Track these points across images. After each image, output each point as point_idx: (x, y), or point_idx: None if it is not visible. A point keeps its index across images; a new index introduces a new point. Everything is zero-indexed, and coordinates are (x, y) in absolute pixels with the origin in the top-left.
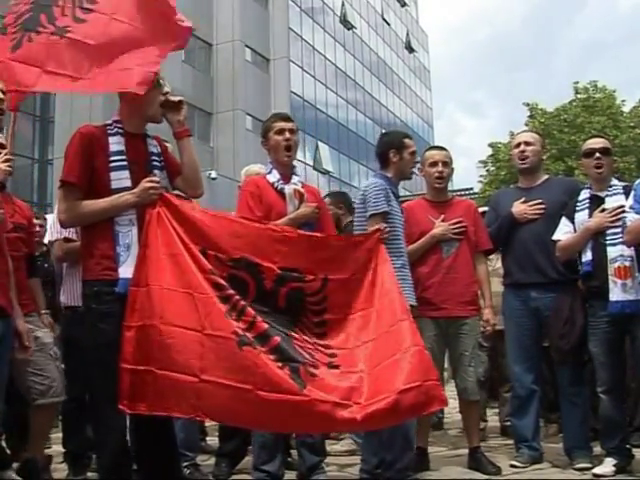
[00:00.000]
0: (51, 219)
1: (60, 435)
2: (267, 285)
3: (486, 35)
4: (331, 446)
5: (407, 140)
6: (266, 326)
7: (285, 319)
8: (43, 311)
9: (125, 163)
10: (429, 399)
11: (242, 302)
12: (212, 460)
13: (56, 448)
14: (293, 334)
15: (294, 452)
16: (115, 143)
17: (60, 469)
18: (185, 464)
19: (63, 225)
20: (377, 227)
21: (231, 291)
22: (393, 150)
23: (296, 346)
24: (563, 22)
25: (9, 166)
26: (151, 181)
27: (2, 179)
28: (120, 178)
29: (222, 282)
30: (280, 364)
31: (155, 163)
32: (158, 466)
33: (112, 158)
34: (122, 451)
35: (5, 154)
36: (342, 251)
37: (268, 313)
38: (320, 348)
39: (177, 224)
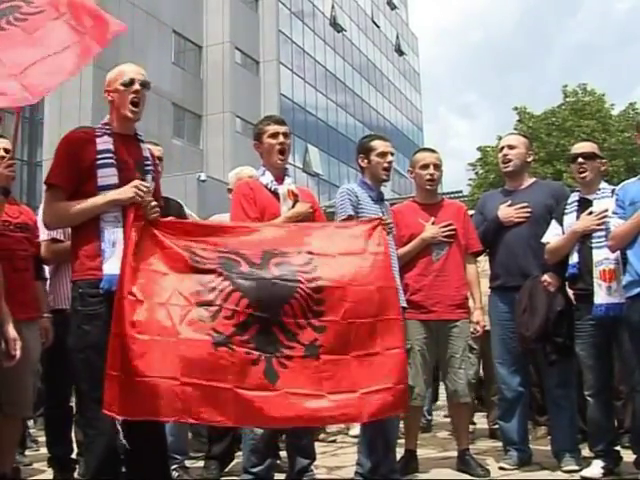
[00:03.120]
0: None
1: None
2: (256, 261)
3: (479, 38)
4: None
5: (375, 142)
6: (245, 316)
7: (279, 292)
8: (45, 315)
9: (112, 161)
10: (397, 403)
11: (227, 289)
12: (201, 463)
13: (44, 451)
14: (282, 311)
15: (283, 454)
16: (103, 143)
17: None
18: (174, 466)
19: (47, 227)
20: (379, 216)
21: (214, 282)
22: (361, 156)
23: (276, 330)
24: (556, 25)
25: (12, 171)
26: (140, 184)
27: (6, 184)
28: (106, 175)
29: (207, 275)
30: (255, 356)
31: (147, 168)
32: (147, 469)
33: (99, 156)
34: (111, 453)
35: (8, 159)
36: (329, 231)
37: (262, 286)
38: (310, 316)
39: (161, 233)
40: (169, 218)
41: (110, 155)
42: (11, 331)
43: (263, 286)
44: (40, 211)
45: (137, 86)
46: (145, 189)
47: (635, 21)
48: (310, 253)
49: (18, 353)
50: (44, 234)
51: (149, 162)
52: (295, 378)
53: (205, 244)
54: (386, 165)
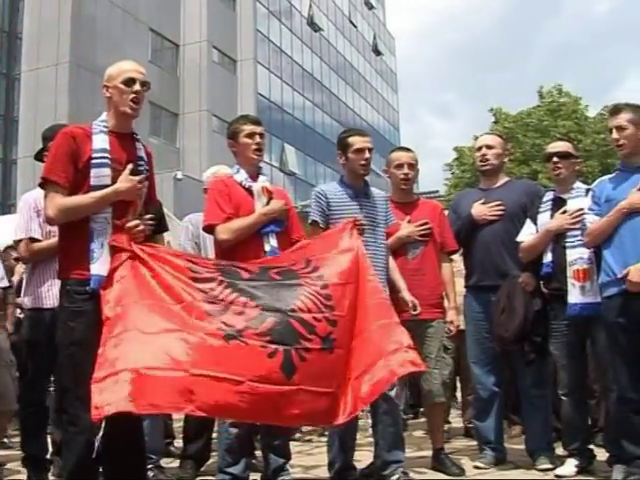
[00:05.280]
0: (14, 219)
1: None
2: (255, 271)
3: (458, 38)
4: None
5: (351, 139)
6: (257, 312)
7: (286, 288)
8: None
9: (107, 161)
10: (410, 361)
11: (232, 295)
12: (177, 462)
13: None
14: (294, 306)
15: (259, 454)
16: (99, 141)
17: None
18: (149, 466)
19: (51, 222)
20: (354, 217)
21: (217, 289)
22: (339, 152)
23: (294, 321)
24: (535, 26)
25: None
26: (133, 179)
27: None
28: (100, 175)
29: (209, 283)
30: (272, 349)
31: (140, 168)
32: (124, 469)
33: (94, 155)
34: (89, 453)
35: None
36: (317, 242)
37: (266, 288)
38: (325, 310)
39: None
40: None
41: (105, 155)
42: None
43: (268, 288)
44: (18, 209)
45: (138, 86)
46: (140, 185)
47: (612, 23)
48: (307, 260)
49: None
50: (22, 232)
51: (143, 162)
52: (311, 372)
53: (200, 258)
54: (363, 162)
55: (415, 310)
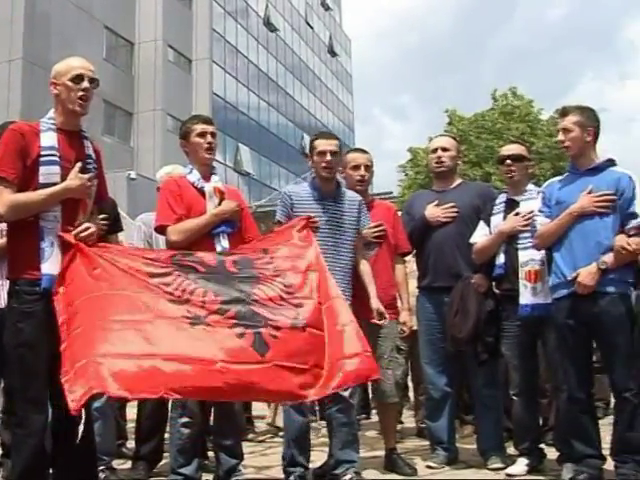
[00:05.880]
0: None
1: None
2: (210, 262)
3: (414, 40)
4: None
5: (316, 141)
6: (217, 305)
7: (244, 282)
8: None
9: (56, 158)
10: (369, 369)
11: (190, 287)
12: (129, 464)
13: None
14: (254, 295)
15: (211, 454)
16: (47, 138)
17: None
18: (101, 467)
19: (2, 219)
20: (307, 215)
21: (175, 282)
22: (309, 155)
23: (257, 309)
24: (490, 30)
25: None
26: (82, 177)
27: None
28: (49, 173)
29: (166, 278)
30: (240, 331)
31: (88, 166)
32: (75, 470)
33: (43, 152)
34: (39, 454)
35: None
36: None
37: (223, 282)
38: (287, 296)
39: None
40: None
41: (54, 152)
42: None
43: (225, 281)
44: None
45: (86, 83)
46: (89, 183)
47: (566, 29)
48: (264, 251)
49: None
50: None
51: (92, 161)
52: (286, 349)
53: (155, 253)
54: (324, 164)
55: (380, 319)
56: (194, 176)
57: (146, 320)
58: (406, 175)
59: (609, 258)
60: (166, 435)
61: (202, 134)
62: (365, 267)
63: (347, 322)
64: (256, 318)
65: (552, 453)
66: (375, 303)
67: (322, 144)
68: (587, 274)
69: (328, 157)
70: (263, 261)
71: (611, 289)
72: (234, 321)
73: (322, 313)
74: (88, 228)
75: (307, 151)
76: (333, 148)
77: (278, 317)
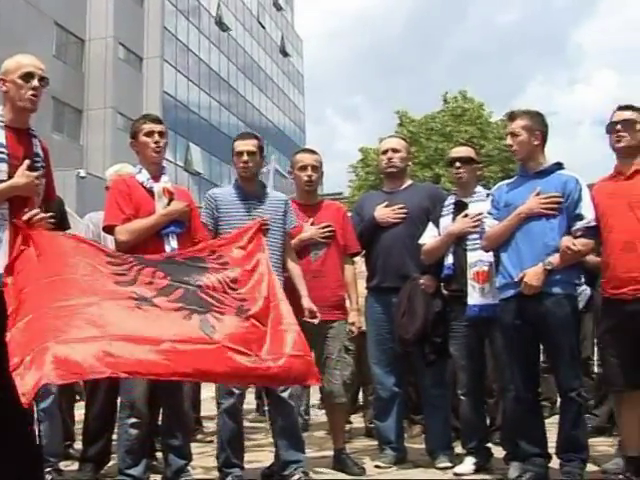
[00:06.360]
0: None
1: None
2: (160, 260)
3: (366, 41)
4: None
5: (236, 142)
6: (166, 282)
7: (192, 270)
8: None
9: (3, 156)
10: (309, 372)
11: (139, 266)
12: (76, 465)
13: None
14: (201, 283)
15: (160, 455)
16: None
17: None
18: (47, 469)
19: None
20: (262, 217)
21: (125, 263)
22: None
23: (202, 294)
24: (442, 32)
25: None
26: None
27: None
28: None
29: (115, 259)
30: (186, 312)
31: (36, 164)
32: (20, 473)
33: None
34: None
35: None
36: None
37: (174, 266)
38: (230, 291)
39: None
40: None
41: (2, 149)
42: None
43: (175, 266)
44: None
45: (36, 82)
46: (37, 181)
47: (517, 34)
48: (213, 250)
49: None
50: None
51: (39, 159)
52: (231, 332)
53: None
54: (242, 165)
55: (312, 318)
56: (143, 176)
57: (93, 303)
58: (357, 176)
59: (555, 259)
60: (114, 436)
61: (150, 133)
62: (294, 267)
63: (291, 324)
64: (201, 303)
65: (499, 452)
66: (307, 302)
67: (240, 145)
68: (533, 275)
69: (245, 157)
70: (212, 257)
71: (557, 290)
72: (179, 304)
73: (269, 310)
74: (38, 214)
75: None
76: (250, 148)
77: (223, 306)
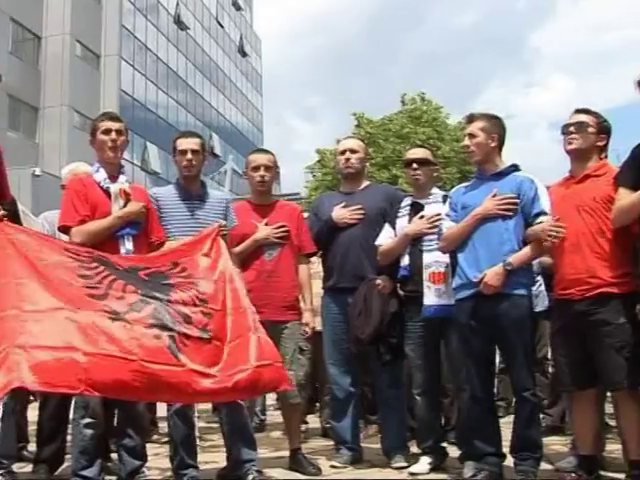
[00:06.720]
0: None
1: None
2: (125, 267)
3: (325, 42)
4: None
5: (179, 140)
6: (136, 297)
7: (159, 286)
8: None
9: None
10: (280, 378)
11: (109, 278)
12: (30, 467)
13: None
14: (170, 297)
15: (115, 456)
16: None
17: None
18: (0, 472)
19: None
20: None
21: (96, 275)
22: (173, 155)
23: (172, 310)
24: (401, 34)
25: None
26: None
27: None
28: None
29: (87, 270)
30: (156, 332)
31: None
32: None
33: None
34: None
35: None
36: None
37: (141, 281)
38: (199, 304)
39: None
40: None
41: None
42: None
43: (141, 280)
44: None
45: None
46: None
47: (475, 36)
48: (174, 262)
49: None
50: None
51: None
52: (195, 356)
53: (73, 246)
54: (185, 164)
55: None
56: (100, 175)
57: (68, 312)
58: (314, 176)
59: (514, 259)
60: (68, 437)
61: (107, 131)
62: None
63: (256, 332)
64: (170, 321)
65: (454, 451)
66: None
67: (183, 143)
68: (493, 275)
69: (189, 156)
70: (175, 271)
71: (511, 291)
72: (150, 321)
73: (226, 324)
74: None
75: (215, 151)
76: (194, 147)
77: (189, 325)
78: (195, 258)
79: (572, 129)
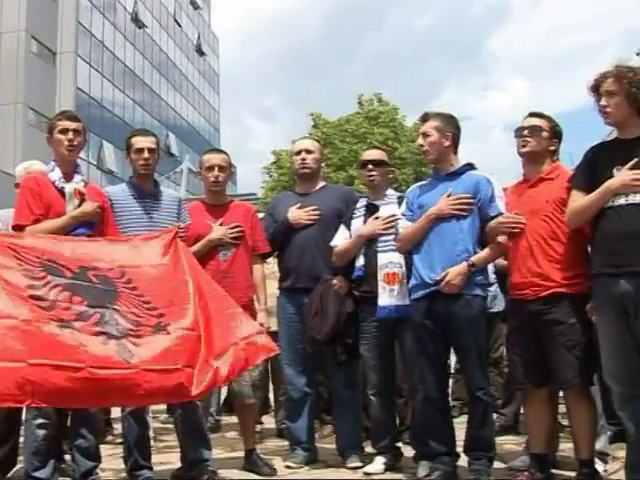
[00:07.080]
0: None
1: None
2: (75, 270)
3: (283, 43)
4: None
5: (134, 138)
6: (83, 308)
7: (106, 293)
8: None
9: None
10: (264, 348)
11: (57, 289)
12: None
13: None
14: (116, 306)
15: (68, 457)
16: None
17: None
18: None
19: None
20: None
21: (44, 286)
22: (125, 153)
23: (119, 317)
24: (359, 35)
25: None
26: None
27: None
28: None
29: (34, 281)
30: (103, 339)
31: None
32: None
33: None
34: None
35: None
36: (136, 246)
37: (88, 288)
38: (147, 311)
39: None
40: None
41: None
42: None
43: (89, 290)
44: None
45: None
46: None
47: (432, 39)
48: (121, 267)
49: None
50: None
51: None
52: (150, 354)
53: (24, 248)
54: (142, 162)
55: None
56: (55, 175)
57: (13, 321)
58: (270, 177)
59: (477, 259)
60: (21, 439)
61: (64, 131)
62: None
63: (234, 307)
64: (118, 327)
65: (409, 451)
66: None
67: (140, 141)
68: (457, 274)
69: (146, 154)
70: (121, 281)
71: (465, 291)
72: (97, 329)
73: (196, 314)
74: None
75: (171, 150)
76: (150, 145)
77: (140, 327)
78: (143, 271)
79: (526, 132)
